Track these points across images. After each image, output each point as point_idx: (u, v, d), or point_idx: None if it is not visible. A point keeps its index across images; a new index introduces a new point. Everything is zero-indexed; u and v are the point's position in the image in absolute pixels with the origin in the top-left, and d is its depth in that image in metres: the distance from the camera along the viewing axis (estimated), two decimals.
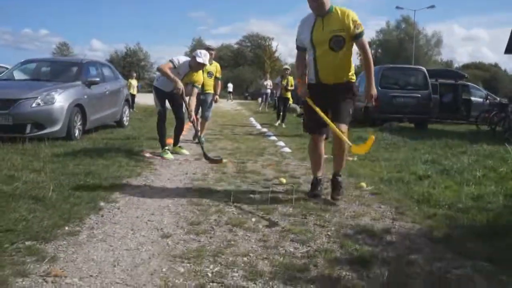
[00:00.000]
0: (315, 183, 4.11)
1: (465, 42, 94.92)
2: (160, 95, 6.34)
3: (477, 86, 19.40)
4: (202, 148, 6.01)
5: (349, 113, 4.04)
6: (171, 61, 6.07)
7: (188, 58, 6.26)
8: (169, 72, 5.92)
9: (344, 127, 3.90)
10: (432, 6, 36.70)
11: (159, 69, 6.20)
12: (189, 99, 6.27)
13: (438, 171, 5.41)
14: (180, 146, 6.72)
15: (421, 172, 5.22)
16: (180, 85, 5.90)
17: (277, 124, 12.67)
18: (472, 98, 16.66)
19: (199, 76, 6.43)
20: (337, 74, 3.94)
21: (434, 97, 14.30)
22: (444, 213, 3.61)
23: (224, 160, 5.81)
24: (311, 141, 4.18)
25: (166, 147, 6.33)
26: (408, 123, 13.28)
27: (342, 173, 4.25)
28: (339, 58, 3.87)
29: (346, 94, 4.01)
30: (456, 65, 59.14)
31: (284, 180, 4.68)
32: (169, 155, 6.18)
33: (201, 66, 6.14)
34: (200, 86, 6.60)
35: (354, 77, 4.06)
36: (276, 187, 4.40)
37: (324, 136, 4.21)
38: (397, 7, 38.95)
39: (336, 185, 4.07)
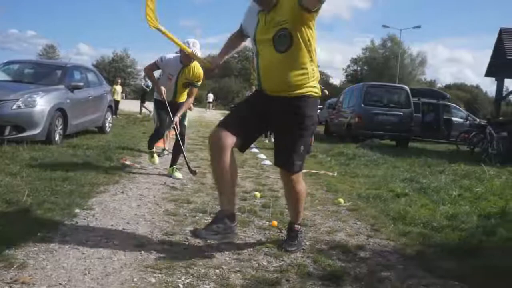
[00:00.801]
0: (218, 216, 2.92)
1: (448, 63, 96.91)
2: (160, 107, 5.50)
3: (458, 107, 19.77)
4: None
5: (298, 153, 2.87)
6: (155, 61, 5.36)
7: (177, 54, 5.36)
8: (151, 74, 5.45)
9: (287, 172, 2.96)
10: (418, 26, 37.34)
11: (144, 71, 5.75)
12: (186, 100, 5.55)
13: (416, 189, 5.48)
14: (176, 168, 5.57)
15: (399, 190, 5.29)
16: (161, 91, 5.26)
17: (266, 141, 11.50)
18: (453, 118, 16.97)
19: (198, 71, 5.35)
20: (282, 84, 2.83)
21: (416, 116, 14.54)
22: (419, 231, 3.66)
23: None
24: (213, 137, 2.83)
25: (153, 150, 5.86)
26: (390, 141, 13.45)
27: (301, 223, 3.29)
28: (287, 62, 2.78)
29: (295, 120, 2.85)
30: (439, 85, 60.12)
31: (258, 195, 4.65)
32: (155, 159, 5.90)
33: (191, 56, 4.56)
34: (200, 83, 5.50)
35: (314, 90, 2.88)
36: (254, 200, 4.41)
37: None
38: (384, 26, 39.48)
39: (289, 234, 3.14)
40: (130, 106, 22.42)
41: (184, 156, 5.39)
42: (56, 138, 7.37)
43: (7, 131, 6.70)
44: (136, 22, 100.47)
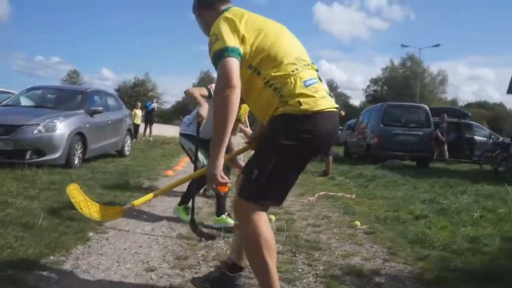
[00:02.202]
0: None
1: (469, 81, 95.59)
2: (202, 145, 4.12)
3: (480, 125, 19.42)
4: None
5: (250, 171, 2.15)
6: (207, 88, 4.33)
7: None
8: (197, 95, 4.10)
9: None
10: (437, 45, 37.18)
11: (187, 92, 4.19)
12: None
13: (436, 210, 5.35)
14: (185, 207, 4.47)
15: (418, 212, 5.16)
16: (205, 111, 3.95)
17: None
18: (476, 137, 16.65)
19: (244, 107, 4.80)
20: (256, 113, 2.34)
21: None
22: (438, 254, 3.55)
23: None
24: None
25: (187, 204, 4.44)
26: (410, 161, 13.25)
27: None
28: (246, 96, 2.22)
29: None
30: (460, 103, 59.34)
31: (273, 218, 4.51)
32: (186, 216, 4.31)
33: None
34: (244, 119, 5.18)
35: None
36: (269, 223, 4.35)
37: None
38: (403, 45, 39.41)
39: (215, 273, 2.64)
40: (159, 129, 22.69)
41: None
42: (76, 162, 7.48)
43: (28, 155, 6.84)
44: (154, 48, 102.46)
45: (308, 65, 2.19)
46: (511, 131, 28.86)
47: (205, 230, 3.92)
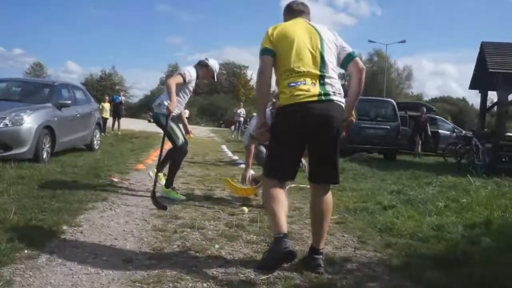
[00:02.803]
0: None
1: (434, 76, 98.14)
2: (176, 122, 5.29)
3: (444, 119, 20.03)
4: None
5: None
6: (182, 75, 4.99)
7: (191, 67, 5.24)
8: (174, 89, 4.84)
9: None
10: (403, 41, 38.09)
11: (166, 84, 5.01)
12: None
13: (403, 201, 5.53)
14: (173, 188, 5.32)
15: (386, 202, 5.34)
16: (173, 106, 4.79)
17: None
18: (440, 131, 17.18)
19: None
20: None
21: (404, 129, 14.70)
22: (405, 242, 3.71)
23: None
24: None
25: (173, 186, 5.32)
26: (378, 154, 13.56)
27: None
28: None
29: None
30: (425, 98, 60.86)
31: (246, 210, 4.63)
32: (180, 195, 5.18)
33: (212, 74, 5.38)
34: None
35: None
36: (242, 215, 4.43)
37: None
38: (370, 41, 40.23)
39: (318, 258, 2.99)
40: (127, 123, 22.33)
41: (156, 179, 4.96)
42: (44, 156, 7.34)
43: None
44: (121, 40, 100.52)
45: (301, 72, 2.88)
46: (473, 125, 29.88)
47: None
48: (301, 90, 2.84)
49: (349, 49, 3.12)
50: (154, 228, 3.76)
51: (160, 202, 4.57)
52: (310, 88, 2.84)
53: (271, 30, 3.02)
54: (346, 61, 3.09)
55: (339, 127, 2.95)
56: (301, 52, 2.91)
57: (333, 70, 2.98)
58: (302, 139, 2.94)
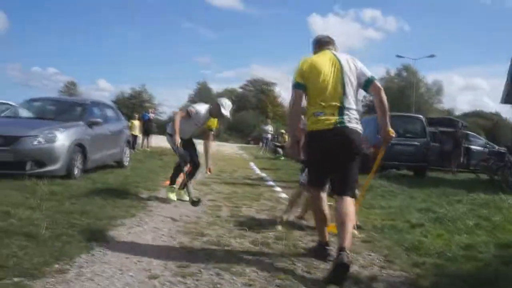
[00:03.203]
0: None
1: (464, 91, 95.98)
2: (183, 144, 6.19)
3: (476, 135, 19.57)
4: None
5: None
6: (188, 111, 6.05)
7: (206, 106, 6.23)
8: (178, 123, 5.89)
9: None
10: (432, 56, 37.63)
11: (173, 119, 6.17)
12: (205, 143, 6.50)
13: (432, 219, 5.42)
14: (185, 191, 6.28)
15: (414, 220, 5.26)
16: (178, 140, 5.84)
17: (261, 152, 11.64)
18: (472, 147, 16.78)
19: (215, 122, 6.37)
20: None
21: (434, 145, 14.42)
22: (433, 261, 3.64)
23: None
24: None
25: (174, 185, 6.32)
26: (407, 171, 13.34)
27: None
28: None
29: None
30: (457, 113, 59.62)
31: (280, 228, 4.64)
32: (173, 196, 6.20)
33: (223, 116, 6.11)
34: (215, 129, 6.58)
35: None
36: (268, 233, 4.43)
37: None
38: (398, 56, 39.90)
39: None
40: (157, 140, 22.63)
41: (187, 184, 6.01)
42: (76, 173, 7.54)
43: (28, 166, 6.90)
44: (151, 58, 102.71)
45: (323, 105, 3.44)
46: (507, 140, 28.98)
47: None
48: (321, 120, 3.44)
49: (368, 74, 3.61)
50: (180, 245, 3.81)
51: (196, 201, 5.63)
52: (329, 118, 3.42)
53: (302, 65, 3.57)
54: (366, 85, 3.61)
55: (353, 148, 3.50)
56: (326, 87, 3.45)
57: (352, 100, 3.51)
58: (324, 156, 3.53)
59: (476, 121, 50.36)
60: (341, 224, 3.31)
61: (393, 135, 3.80)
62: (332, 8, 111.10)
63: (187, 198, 6.01)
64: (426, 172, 13.24)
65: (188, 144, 6.23)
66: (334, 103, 3.43)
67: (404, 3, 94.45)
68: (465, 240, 4.33)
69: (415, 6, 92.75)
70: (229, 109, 6.05)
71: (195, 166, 6.33)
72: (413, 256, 3.77)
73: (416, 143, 12.92)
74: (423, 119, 13.59)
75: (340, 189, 3.52)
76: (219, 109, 6.00)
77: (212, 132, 6.53)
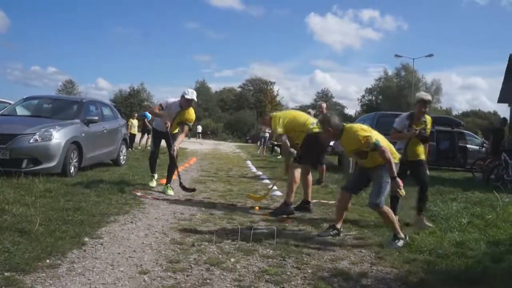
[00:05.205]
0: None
1: (463, 90, 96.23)
2: (156, 135, 7.12)
3: (473, 134, 19.59)
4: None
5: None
6: (161, 104, 6.80)
7: (178, 99, 6.66)
8: (156, 111, 6.70)
9: None
10: (431, 55, 37.58)
11: (149, 111, 6.93)
12: (179, 135, 6.79)
13: (425, 217, 5.44)
14: (170, 186, 6.81)
15: (407, 219, 5.27)
16: (165, 118, 6.53)
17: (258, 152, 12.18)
18: (468, 146, 16.79)
19: (191, 115, 6.73)
20: None
21: (431, 144, 14.42)
22: (424, 258, 3.66)
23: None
24: None
25: (169, 184, 6.81)
26: None
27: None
28: None
29: None
30: (455, 112, 59.78)
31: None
32: (171, 192, 6.66)
33: (190, 102, 6.51)
34: (191, 124, 6.93)
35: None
36: (260, 229, 4.45)
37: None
38: (396, 55, 39.73)
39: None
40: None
41: (178, 174, 6.73)
42: (71, 171, 7.55)
43: (24, 164, 6.91)
44: (151, 57, 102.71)
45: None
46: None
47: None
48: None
49: None
50: (173, 241, 3.83)
51: (187, 187, 6.58)
52: None
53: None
54: None
55: None
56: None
57: None
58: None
59: (474, 121, 50.44)
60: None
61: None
62: (331, 8, 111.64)
63: (171, 193, 6.64)
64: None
65: (166, 138, 6.80)
66: None
67: (404, 3, 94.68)
68: (457, 237, 4.35)
69: (414, 6, 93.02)
70: (193, 94, 6.46)
71: (171, 157, 6.78)
72: (405, 253, 3.80)
73: None
74: None
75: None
76: (183, 97, 6.43)
77: (188, 126, 6.83)
